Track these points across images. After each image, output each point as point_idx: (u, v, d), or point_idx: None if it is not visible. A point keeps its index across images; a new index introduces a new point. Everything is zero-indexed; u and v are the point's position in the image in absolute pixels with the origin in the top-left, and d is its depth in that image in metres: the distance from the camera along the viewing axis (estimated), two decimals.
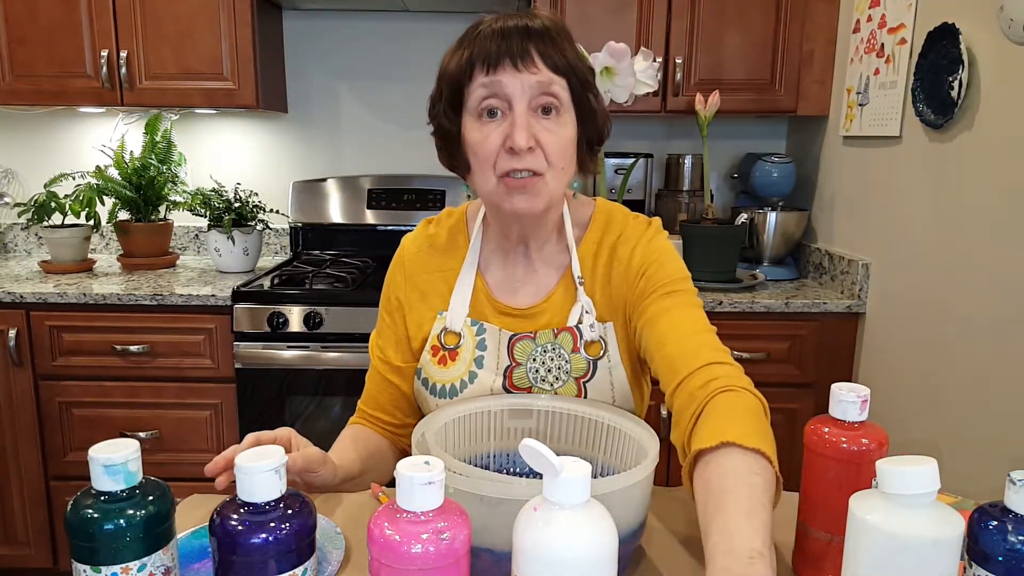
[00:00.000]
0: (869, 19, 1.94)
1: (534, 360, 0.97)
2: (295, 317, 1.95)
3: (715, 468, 0.71)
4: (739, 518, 0.63)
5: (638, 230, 1.00)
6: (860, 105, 1.98)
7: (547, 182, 0.89)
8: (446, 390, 0.98)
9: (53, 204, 2.22)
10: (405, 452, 1.08)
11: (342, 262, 2.29)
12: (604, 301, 0.98)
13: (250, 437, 0.83)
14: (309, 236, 2.49)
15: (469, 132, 0.90)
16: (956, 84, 1.55)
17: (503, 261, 1.02)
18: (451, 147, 0.94)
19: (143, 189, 2.31)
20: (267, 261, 2.48)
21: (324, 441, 0.95)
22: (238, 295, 1.96)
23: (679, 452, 0.82)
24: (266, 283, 2.07)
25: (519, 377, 0.96)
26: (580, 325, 0.97)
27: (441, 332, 1.00)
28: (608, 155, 2.30)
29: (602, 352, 0.96)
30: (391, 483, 1.06)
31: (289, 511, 0.57)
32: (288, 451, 0.87)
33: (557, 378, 0.96)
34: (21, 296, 1.95)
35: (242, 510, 0.56)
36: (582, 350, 0.96)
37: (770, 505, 0.67)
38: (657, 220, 1.03)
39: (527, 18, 0.89)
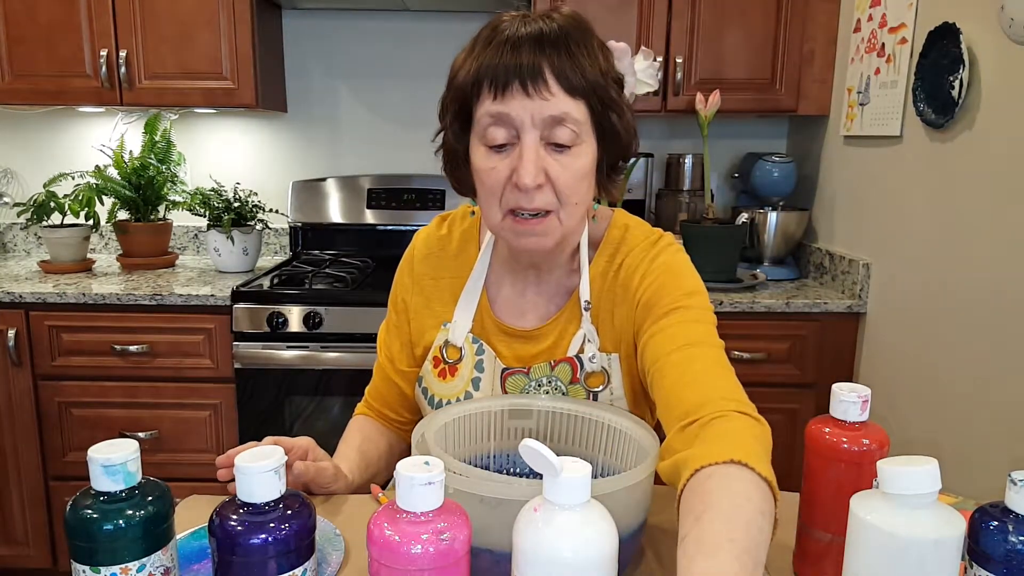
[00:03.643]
0: (870, 18, 1.94)
1: (527, 395, 0.93)
2: (295, 317, 1.95)
3: (724, 491, 0.64)
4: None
5: (645, 250, 0.93)
6: (861, 105, 1.98)
7: (559, 220, 0.83)
8: (443, 405, 0.97)
9: (52, 204, 2.22)
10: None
11: (342, 262, 2.29)
12: (609, 331, 0.93)
13: (269, 440, 0.82)
14: (309, 236, 2.49)
15: (476, 157, 0.84)
16: (957, 84, 1.55)
17: (512, 279, 0.98)
18: (457, 168, 0.90)
19: (142, 189, 2.31)
20: (266, 261, 2.48)
21: (325, 441, 0.95)
22: (237, 295, 1.96)
23: (666, 473, 0.75)
24: (265, 283, 2.07)
25: None
26: (581, 355, 0.92)
27: (444, 344, 0.98)
28: None
29: (604, 384, 0.92)
30: (390, 483, 1.06)
31: (288, 511, 0.57)
32: (299, 458, 0.87)
33: None
34: (20, 296, 1.95)
35: (241, 510, 0.56)
36: (582, 381, 0.92)
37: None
38: (666, 236, 0.96)
39: (542, 22, 0.80)
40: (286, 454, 0.84)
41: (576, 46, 0.80)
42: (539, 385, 0.93)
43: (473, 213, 1.04)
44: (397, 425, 1.08)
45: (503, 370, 0.95)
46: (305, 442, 0.89)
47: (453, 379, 0.97)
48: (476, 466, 0.75)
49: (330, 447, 0.98)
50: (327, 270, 2.17)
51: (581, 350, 0.93)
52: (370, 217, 2.46)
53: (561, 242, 0.87)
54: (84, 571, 0.58)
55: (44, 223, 2.24)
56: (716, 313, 0.91)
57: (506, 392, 0.95)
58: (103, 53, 2.11)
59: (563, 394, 0.93)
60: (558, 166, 0.80)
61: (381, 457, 1.04)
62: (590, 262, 0.95)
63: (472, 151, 0.85)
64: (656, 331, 0.86)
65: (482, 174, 0.83)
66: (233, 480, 0.75)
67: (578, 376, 0.92)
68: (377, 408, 1.08)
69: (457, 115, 0.85)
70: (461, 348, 0.97)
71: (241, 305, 1.95)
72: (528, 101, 0.78)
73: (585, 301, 0.93)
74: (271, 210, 2.39)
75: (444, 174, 0.94)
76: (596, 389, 0.92)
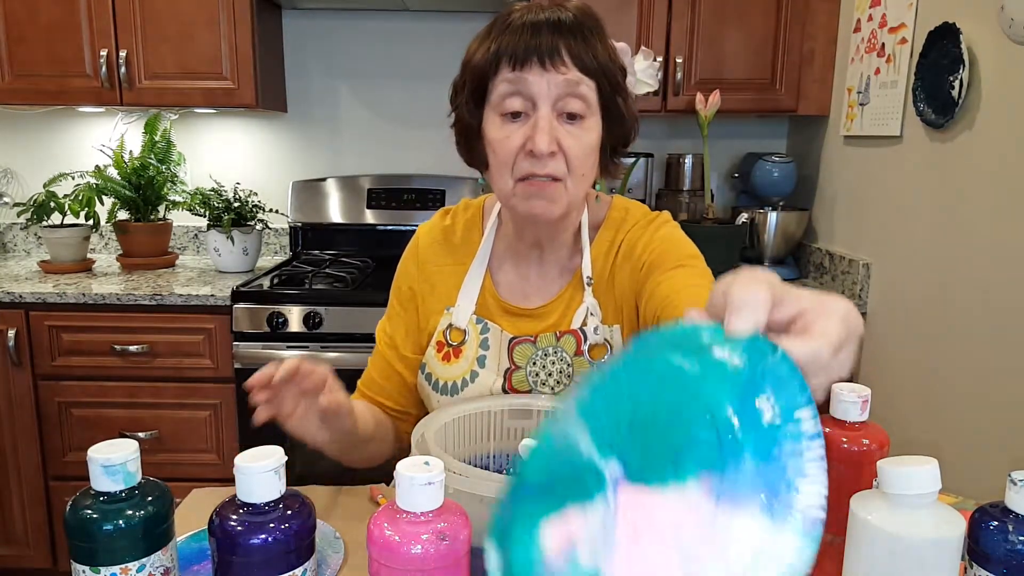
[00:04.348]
0: (870, 18, 1.94)
1: (534, 364, 0.96)
2: (295, 317, 1.95)
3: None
4: None
5: (644, 226, 0.98)
6: (861, 104, 1.98)
7: (566, 188, 0.87)
8: (448, 387, 0.98)
9: (52, 204, 2.22)
10: (403, 436, 1.07)
11: (342, 262, 2.29)
12: (611, 303, 0.97)
13: (291, 362, 0.77)
14: (309, 236, 2.49)
15: (490, 128, 0.88)
16: (957, 84, 1.55)
17: (515, 261, 1.01)
18: (470, 141, 0.93)
19: (142, 189, 2.31)
20: (266, 261, 2.48)
21: None
22: (237, 295, 1.96)
23: None
24: (265, 283, 2.07)
25: (519, 380, 0.96)
26: (584, 327, 0.95)
27: (447, 328, 1.00)
28: None
29: (607, 356, 0.95)
30: (389, 480, 1.06)
31: (288, 511, 0.57)
32: (321, 389, 0.81)
33: (558, 382, 0.95)
34: (20, 296, 1.95)
35: (241, 510, 0.56)
36: (586, 353, 0.95)
37: None
38: (664, 214, 1.02)
39: (558, 10, 0.86)
40: (306, 378, 0.78)
41: (590, 32, 0.86)
42: (545, 354, 0.96)
43: (483, 190, 1.04)
44: (392, 414, 1.07)
45: (510, 340, 0.97)
46: (324, 370, 0.83)
47: (457, 360, 0.98)
48: (476, 466, 0.75)
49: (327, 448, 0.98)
50: (327, 270, 2.17)
51: (584, 323, 0.95)
52: (370, 217, 2.46)
53: (566, 214, 0.91)
54: (84, 571, 0.58)
55: (44, 223, 2.24)
56: None
57: (513, 361, 0.97)
58: (103, 53, 2.11)
59: (568, 364, 0.95)
60: (570, 137, 0.85)
61: (380, 424, 1.01)
62: (592, 242, 0.98)
63: (487, 124, 0.88)
64: (664, 279, 0.89)
65: (495, 143, 0.87)
66: (268, 401, 0.74)
67: (582, 348, 0.95)
68: (372, 397, 1.06)
69: (473, 92, 0.88)
70: (465, 330, 0.98)
71: (241, 305, 1.95)
72: (544, 73, 0.83)
73: (587, 277, 0.96)
74: (271, 210, 2.39)
75: (457, 150, 0.97)
76: (599, 361, 0.95)
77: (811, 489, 0.36)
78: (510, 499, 0.47)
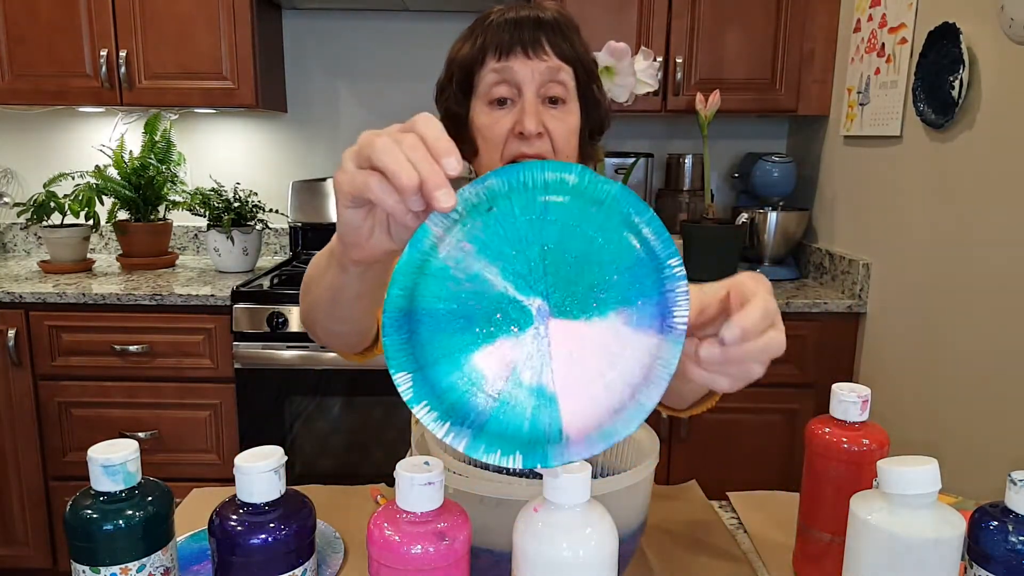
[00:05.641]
0: (870, 18, 1.94)
1: None
2: (294, 317, 1.95)
3: None
4: None
5: None
6: (861, 105, 1.98)
7: None
8: None
9: (52, 204, 2.22)
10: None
11: None
12: None
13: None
14: (309, 236, 2.49)
15: (478, 116, 0.92)
16: (957, 84, 1.55)
17: None
18: (459, 130, 0.97)
19: (142, 189, 2.31)
20: (266, 261, 2.48)
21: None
22: (237, 295, 1.96)
23: None
24: (265, 283, 2.07)
25: None
26: None
27: None
28: (608, 155, 2.29)
29: None
30: (389, 480, 1.06)
31: (288, 511, 0.57)
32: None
33: None
34: (20, 296, 1.95)
35: (241, 510, 0.56)
36: None
37: None
38: None
39: (538, 10, 0.91)
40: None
41: (566, 28, 0.92)
42: None
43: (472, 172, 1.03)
44: None
45: None
46: None
47: None
48: (476, 466, 0.75)
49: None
50: None
51: None
52: None
53: None
54: (84, 571, 0.58)
55: (44, 223, 2.24)
56: None
57: None
58: (103, 53, 2.11)
59: None
60: (554, 120, 0.90)
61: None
62: None
63: (475, 112, 0.93)
64: None
65: (485, 129, 0.91)
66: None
67: None
68: None
69: (460, 83, 0.93)
70: None
71: (241, 305, 1.95)
72: (528, 61, 0.89)
73: None
74: (271, 210, 2.39)
75: None
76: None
77: (682, 313, 0.49)
78: (416, 327, 0.50)
